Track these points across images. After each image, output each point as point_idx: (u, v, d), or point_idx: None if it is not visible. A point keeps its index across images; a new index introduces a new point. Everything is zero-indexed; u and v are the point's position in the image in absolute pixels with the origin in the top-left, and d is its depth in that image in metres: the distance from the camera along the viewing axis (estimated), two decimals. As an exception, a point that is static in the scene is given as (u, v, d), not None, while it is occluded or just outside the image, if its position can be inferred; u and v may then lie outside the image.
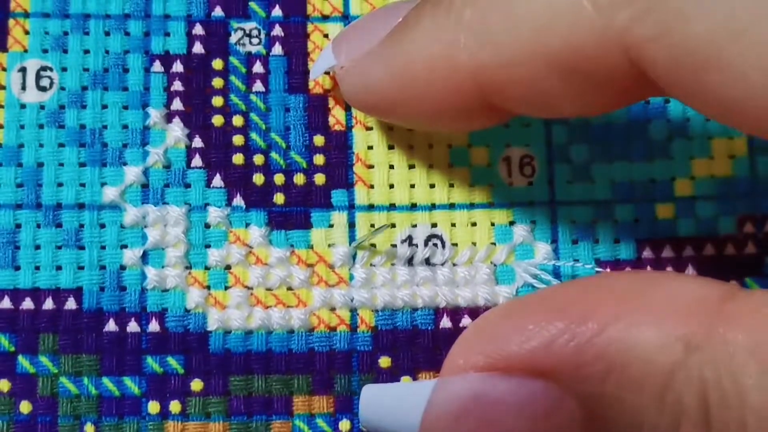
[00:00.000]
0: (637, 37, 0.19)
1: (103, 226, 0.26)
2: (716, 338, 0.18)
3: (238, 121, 0.27)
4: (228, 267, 0.26)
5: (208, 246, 0.26)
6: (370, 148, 0.27)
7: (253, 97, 0.28)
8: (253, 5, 0.28)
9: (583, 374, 0.19)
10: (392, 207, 0.27)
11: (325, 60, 0.26)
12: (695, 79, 0.19)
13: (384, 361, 0.26)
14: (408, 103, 0.24)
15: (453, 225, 0.27)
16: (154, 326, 0.26)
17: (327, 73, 0.27)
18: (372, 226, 0.27)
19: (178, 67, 0.28)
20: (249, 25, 0.28)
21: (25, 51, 0.27)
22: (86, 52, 0.27)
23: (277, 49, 0.28)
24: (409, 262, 0.27)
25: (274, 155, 0.27)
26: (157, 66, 0.28)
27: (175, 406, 0.25)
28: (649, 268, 0.27)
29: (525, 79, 0.21)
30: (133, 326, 0.26)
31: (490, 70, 0.22)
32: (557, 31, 0.20)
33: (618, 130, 0.28)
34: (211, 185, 0.27)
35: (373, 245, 0.27)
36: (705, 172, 0.28)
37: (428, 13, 0.23)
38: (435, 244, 0.27)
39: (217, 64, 0.28)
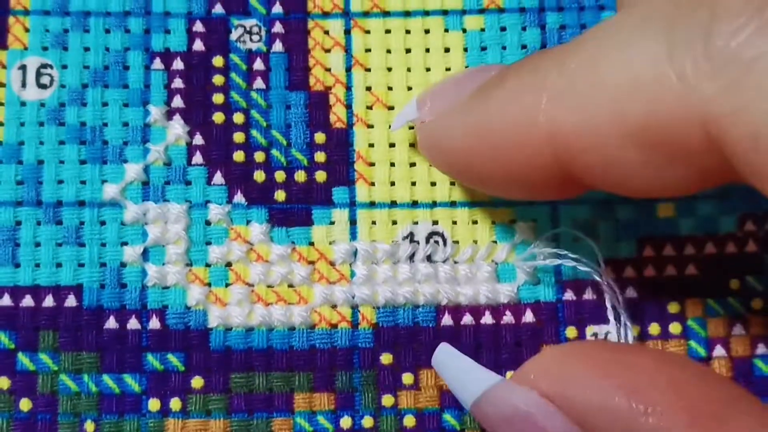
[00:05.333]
0: (716, 112, 0.18)
1: (103, 223, 0.26)
2: None
3: (238, 118, 0.27)
4: (229, 264, 0.26)
5: (208, 243, 0.26)
6: (372, 145, 0.27)
7: (253, 94, 0.27)
8: (253, 2, 0.28)
9: None
10: (393, 204, 0.27)
11: (408, 112, 0.26)
12: None
13: (385, 358, 0.26)
14: (483, 164, 0.23)
15: (454, 222, 0.27)
16: (154, 323, 0.26)
17: (411, 127, 0.27)
18: (374, 223, 0.27)
19: (178, 64, 0.28)
20: (249, 22, 0.28)
21: (25, 48, 0.27)
22: (86, 49, 0.27)
23: (278, 46, 0.28)
24: (411, 259, 0.27)
25: (275, 152, 0.27)
26: (158, 63, 0.27)
27: (175, 404, 0.25)
28: (650, 266, 0.27)
29: (600, 147, 0.20)
30: (133, 323, 0.26)
31: (566, 136, 0.21)
32: (639, 100, 0.19)
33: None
34: (212, 182, 0.27)
35: (374, 240, 0.27)
36: None
37: (514, 74, 0.22)
38: (436, 242, 0.27)
39: (218, 61, 0.28)
